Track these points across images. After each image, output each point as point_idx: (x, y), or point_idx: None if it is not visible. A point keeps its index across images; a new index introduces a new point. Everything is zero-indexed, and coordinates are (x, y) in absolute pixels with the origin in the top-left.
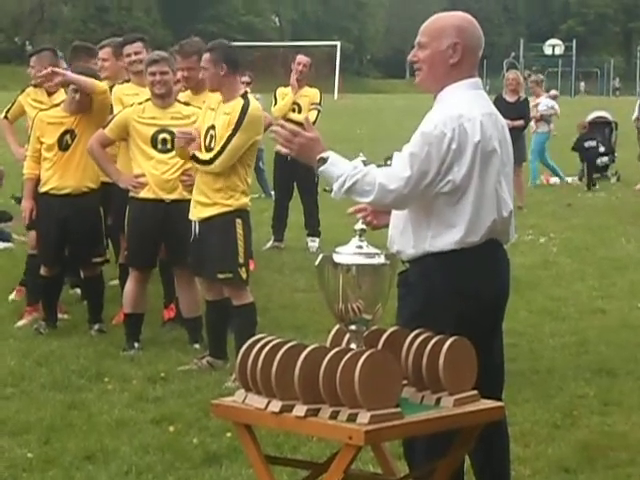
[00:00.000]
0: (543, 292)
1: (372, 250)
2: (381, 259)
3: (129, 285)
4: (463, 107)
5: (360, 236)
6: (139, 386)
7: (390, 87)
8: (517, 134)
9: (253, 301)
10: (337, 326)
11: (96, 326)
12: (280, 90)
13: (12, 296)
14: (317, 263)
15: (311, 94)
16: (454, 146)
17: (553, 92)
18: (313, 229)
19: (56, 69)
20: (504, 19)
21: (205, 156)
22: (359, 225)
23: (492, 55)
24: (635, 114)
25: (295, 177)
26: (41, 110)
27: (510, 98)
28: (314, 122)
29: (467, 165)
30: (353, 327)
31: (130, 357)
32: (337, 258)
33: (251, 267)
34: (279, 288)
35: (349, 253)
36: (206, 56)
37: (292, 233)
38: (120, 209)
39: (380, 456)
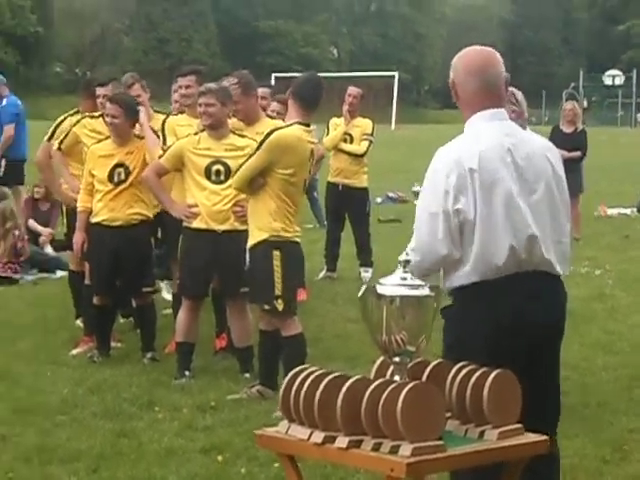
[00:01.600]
0: (598, 325)
1: (416, 281)
2: (425, 290)
3: (181, 314)
4: (466, 140)
5: (404, 267)
6: (189, 415)
7: (448, 117)
8: (574, 165)
9: (301, 332)
10: (381, 358)
11: (149, 354)
12: (333, 120)
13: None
14: (360, 294)
15: (363, 125)
16: (452, 178)
17: None
18: (366, 259)
19: (142, 120)
20: (564, 50)
21: None
22: (403, 256)
23: (551, 86)
24: None
25: (347, 207)
26: (99, 140)
27: (567, 129)
28: (365, 152)
29: (471, 195)
30: (397, 359)
31: (181, 386)
32: (380, 289)
33: (304, 297)
34: (332, 318)
35: (393, 284)
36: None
37: (345, 263)
38: (174, 239)
39: None
